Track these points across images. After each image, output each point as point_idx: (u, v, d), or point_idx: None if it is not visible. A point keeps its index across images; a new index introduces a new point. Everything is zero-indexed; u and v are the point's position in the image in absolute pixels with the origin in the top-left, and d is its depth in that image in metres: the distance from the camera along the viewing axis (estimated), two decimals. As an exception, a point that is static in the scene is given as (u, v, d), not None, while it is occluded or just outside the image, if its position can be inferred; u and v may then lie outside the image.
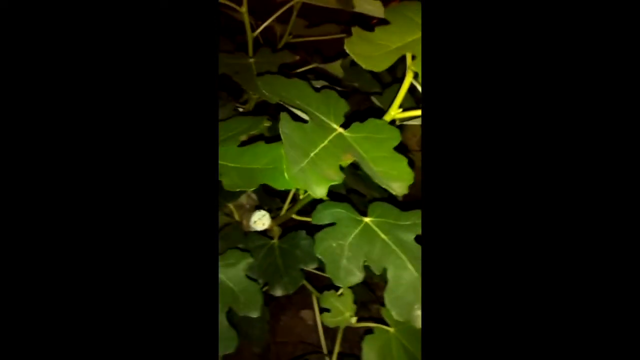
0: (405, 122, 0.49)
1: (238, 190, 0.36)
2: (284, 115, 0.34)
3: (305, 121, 0.37)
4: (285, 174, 0.30)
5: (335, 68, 0.61)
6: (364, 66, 0.32)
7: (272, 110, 0.57)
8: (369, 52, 0.33)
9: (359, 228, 0.43)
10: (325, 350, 0.68)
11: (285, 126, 0.34)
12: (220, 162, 0.39)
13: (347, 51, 0.32)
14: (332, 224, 0.43)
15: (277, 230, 0.59)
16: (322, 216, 0.43)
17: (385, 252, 0.41)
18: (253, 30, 0.57)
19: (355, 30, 0.34)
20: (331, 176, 0.33)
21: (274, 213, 0.63)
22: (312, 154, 0.34)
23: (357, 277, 0.40)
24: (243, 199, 0.64)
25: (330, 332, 0.76)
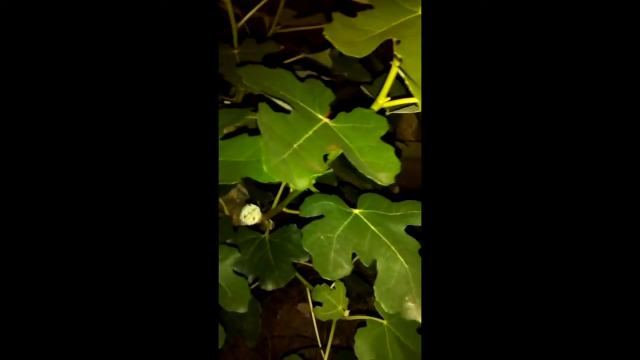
0: (397, 111, 0.48)
1: (221, 184, 0.35)
2: (262, 106, 0.33)
3: (287, 112, 0.36)
4: (264, 167, 0.29)
5: (324, 58, 0.60)
6: (345, 52, 0.31)
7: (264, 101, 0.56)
8: (351, 38, 0.32)
9: (348, 220, 0.42)
10: (320, 344, 0.68)
11: (265, 117, 0.33)
12: (202, 155, 0.38)
13: (327, 38, 0.31)
14: (320, 217, 0.42)
15: (268, 224, 0.59)
16: (310, 209, 0.43)
17: (375, 244, 0.40)
18: (238, 20, 0.55)
19: (336, 15, 0.33)
20: (314, 168, 0.32)
21: (265, 207, 0.62)
22: (295, 145, 0.33)
23: (346, 269, 0.39)
24: (233, 193, 0.63)
25: (327, 325, 0.76)
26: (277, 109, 0.36)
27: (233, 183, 0.36)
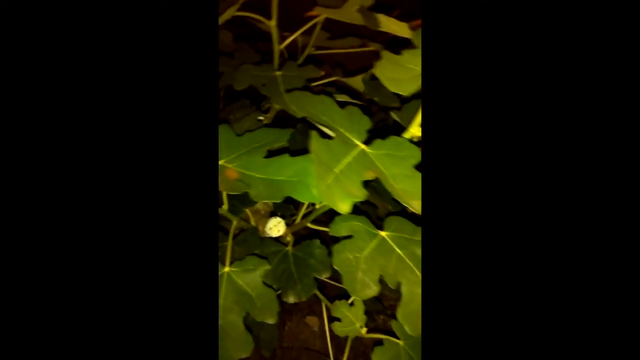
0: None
1: (264, 201, 0.37)
2: (313, 134, 0.35)
3: (330, 137, 0.39)
4: (315, 191, 0.31)
5: (356, 82, 0.62)
6: (391, 90, 0.33)
7: (292, 120, 0.58)
8: (397, 75, 0.34)
9: (375, 242, 0.44)
10: (332, 358, 0.69)
11: (314, 143, 0.35)
12: (247, 172, 0.40)
13: (377, 75, 0.34)
14: (349, 237, 0.44)
15: (291, 238, 0.61)
16: (339, 228, 0.45)
17: (400, 267, 0.42)
18: (279, 42, 0.58)
19: (384, 54, 0.35)
20: (354, 193, 0.34)
21: (287, 219, 0.64)
22: (336, 170, 0.36)
23: (373, 290, 0.41)
24: (259, 205, 0.65)
25: (335, 339, 0.77)
26: (321, 134, 0.38)
27: (278, 201, 0.38)
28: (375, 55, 0.72)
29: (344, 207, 0.33)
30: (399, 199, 0.37)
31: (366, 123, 0.43)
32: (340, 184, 0.34)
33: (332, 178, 0.34)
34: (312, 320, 0.94)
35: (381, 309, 0.81)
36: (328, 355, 0.73)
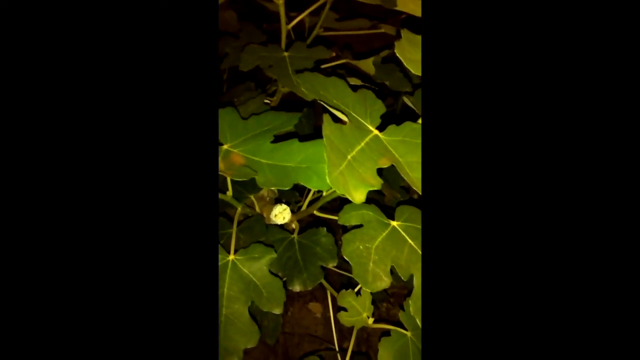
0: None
1: (272, 187, 0.35)
2: (326, 117, 0.33)
3: (342, 121, 0.37)
4: (327, 178, 0.29)
5: (367, 65, 0.60)
6: (413, 71, 0.31)
7: (299, 104, 0.56)
8: (416, 56, 0.32)
9: (387, 232, 0.42)
10: (336, 347, 0.69)
11: (327, 128, 0.33)
12: (253, 157, 0.39)
13: (398, 55, 0.31)
14: (359, 226, 0.42)
15: (296, 225, 0.59)
16: (349, 217, 0.43)
17: (412, 258, 0.41)
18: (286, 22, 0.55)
19: (404, 33, 0.33)
20: (369, 181, 0.32)
21: (292, 206, 0.62)
22: (349, 157, 0.34)
23: (385, 282, 0.39)
24: (264, 191, 0.64)
25: (337, 325, 0.77)
26: (333, 117, 0.36)
27: (286, 189, 0.36)
28: (386, 38, 0.69)
29: (359, 196, 0.31)
30: (416, 188, 0.35)
31: (380, 107, 0.41)
32: (354, 171, 0.33)
33: (344, 165, 0.32)
34: (314, 306, 0.93)
35: (385, 297, 0.81)
36: (330, 342, 0.73)
